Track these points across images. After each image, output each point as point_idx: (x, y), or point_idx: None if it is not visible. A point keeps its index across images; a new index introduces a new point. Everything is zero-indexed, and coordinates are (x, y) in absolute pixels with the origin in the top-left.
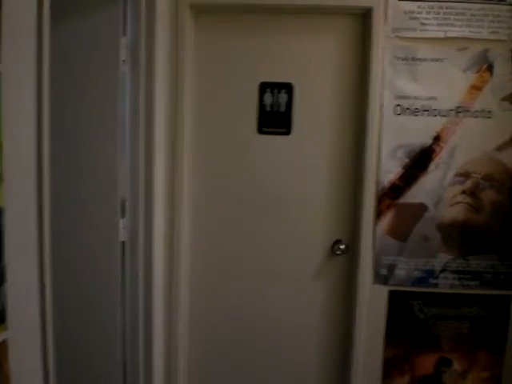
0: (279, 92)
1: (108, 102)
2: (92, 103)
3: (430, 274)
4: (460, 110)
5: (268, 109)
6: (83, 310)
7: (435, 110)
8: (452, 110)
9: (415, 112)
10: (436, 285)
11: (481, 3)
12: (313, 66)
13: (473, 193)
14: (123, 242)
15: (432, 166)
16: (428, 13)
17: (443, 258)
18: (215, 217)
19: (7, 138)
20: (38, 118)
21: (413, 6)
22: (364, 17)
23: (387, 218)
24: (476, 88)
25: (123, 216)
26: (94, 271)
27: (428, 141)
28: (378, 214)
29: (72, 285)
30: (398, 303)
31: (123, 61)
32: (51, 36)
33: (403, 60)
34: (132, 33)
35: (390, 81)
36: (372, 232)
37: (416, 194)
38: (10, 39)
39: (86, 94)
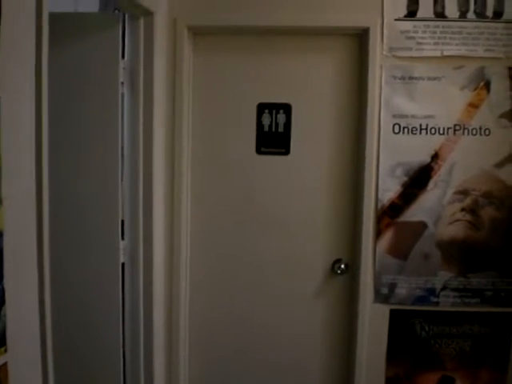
0: (277, 112)
1: (107, 123)
2: (91, 125)
3: (431, 292)
4: (458, 128)
5: (266, 129)
6: (84, 332)
7: (433, 128)
8: (450, 128)
9: (413, 131)
10: (437, 303)
11: (476, 21)
12: (311, 86)
13: (472, 210)
14: (123, 264)
15: (431, 184)
16: (424, 32)
17: (444, 276)
18: (215, 237)
19: (6, 161)
20: (36, 140)
21: (409, 25)
22: (361, 37)
23: (387, 237)
24: (473, 106)
25: (123, 238)
26: (95, 293)
27: (426, 159)
28: (378, 232)
29: (72, 307)
30: (399, 322)
31: (122, 83)
32: (50, 59)
33: (400, 79)
34: (130, 55)
35: (388, 100)
36: (372, 251)
37: (415, 213)
38: (9, 63)
39: (85, 116)
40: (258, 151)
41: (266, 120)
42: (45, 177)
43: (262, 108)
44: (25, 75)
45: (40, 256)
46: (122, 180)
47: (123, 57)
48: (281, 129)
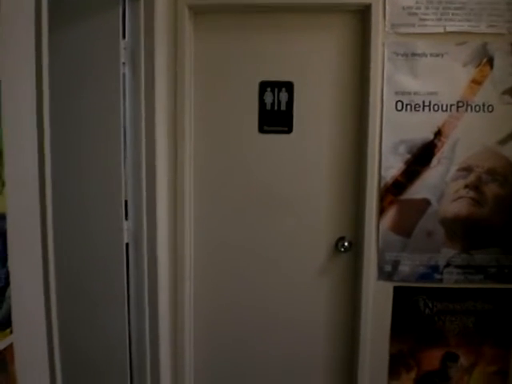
0: (280, 91)
1: (109, 104)
2: (93, 106)
3: (435, 269)
4: (461, 105)
5: (269, 108)
6: (89, 313)
7: (436, 105)
8: (453, 104)
9: (416, 108)
10: (440, 280)
11: None
12: (313, 64)
13: (476, 187)
14: (127, 244)
15: (434, 161)
16: (426, 8)
17: (447, 253)
18: (218, 216)
19: (8, 144)
20: (38, 122)
21: (411, 1)
22: (363, 14)
23: (390, 215)
24: (476, 82)
25: (126, 218)
26: (99, 274)
27: (430, 136)
28: (381, 210)
29: (77, 288)
30: (403, 299)
31: (123, 63)
32: (50, 40)
33: (403, 56)
34: (131, 35)
35: (390, 77)
36: (375, 228)
37: (419, 190)
38: (8, 44)
39: (87, 97)
40: (261, 130)
41: (268, 98)
42: (47, 158)
43: (264, 86)
44: (25, 57)
45: (44, 238)
46: (124, 160)
47: (124, 37)
48: (283, 107)
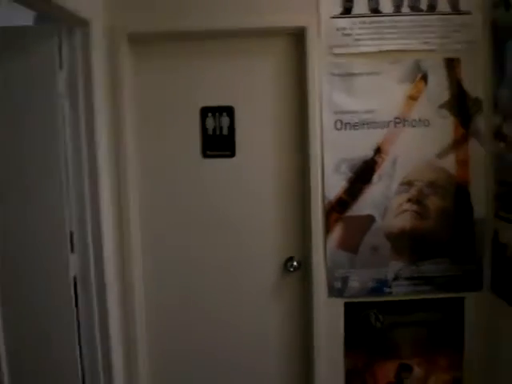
0: (221, 115)
1: (48, 135)
2: (32, 138)
3: (384, 282)
4: (398, 121)
5: (211, 132)
6: (38, 348)
7: (374, 122)
8: (391, 121)
9: (355, 126)
10: (390, 293)
11: (410, 15)
12: (252, 87)
13: (418, 200)
14: (74, 277)
15: (376, 177)
16: (360, 28)
17: (395, 266)
18: (166, 242)
19: None
20: None
21: (345, 22)
22: (299, 36)
23: (336, 232)
24: (412, 98)
25: (72, 250)
26: (47, 307)
27: (370, 153)
28: (327, 228)
29: (25, 323)
30: (354, 314)
31: (61, 94)
32: None
33: (339, 76)
34: (69, 66)
35: (328, 97)
36: (323, 247)
37: (363, 207)
38: None
39: (26, 129)
40: (204, 155)
41: (209, 123)
42: None
43: (205, 112)
44: None
45: None
46: (68, 193)
47: (61, 68)
48: (225, 131)
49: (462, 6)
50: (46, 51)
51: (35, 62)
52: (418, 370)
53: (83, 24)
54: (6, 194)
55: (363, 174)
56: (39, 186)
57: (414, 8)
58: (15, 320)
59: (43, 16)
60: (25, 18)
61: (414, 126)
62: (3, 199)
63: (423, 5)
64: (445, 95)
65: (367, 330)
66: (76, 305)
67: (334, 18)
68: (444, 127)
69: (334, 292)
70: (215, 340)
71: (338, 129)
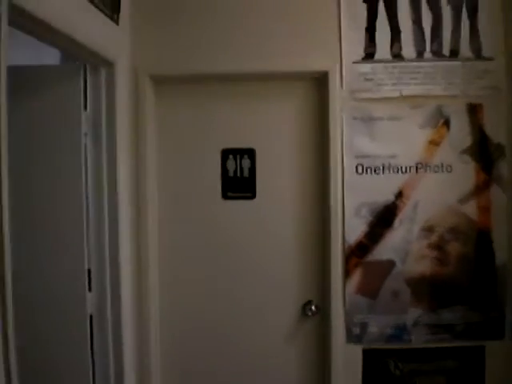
0: (242, 157)
1: (70, 173)
2: (55, 177)
3: (403, 329)
4: (420, 166)
5: (231, 174)
6: None
7: (396, 167)
8: (412, 166)
9: (376, 170)
10: (409, 340)
11: (433, 61)
12: (274, 130)
13: (439, 246)
14: (91, 316)
15: (397, 222)
16: (382, 73)
17: (414, 313)
18: (183, 281)
19: None
20: None
21: (367, 67)
22: (321, 81)
23: (356, 277)
24: (434, 143)
25: (90, 289)
26: (63, 346)
27: (391, 198)
28: (347, 273)
29: (40, 362)
30: (372, 362)
31: (85, 134)
32: (12, 111)
33: (361, 120)
34: (93, 106)
35: (350, 141)
36: (342, 291)
37: (383, 251)
38: None
39: (49, 168)
40: (224, 196)
41: (230, 165)
42: (6, 230)
43: (226, 153)
44: None
45: (3, 312)
46: (87, 230)
47: (86, 108)
48: (246, 173)
49: (485, 52)
50: (71, 90)
51: (60, 100)
52: None
53: (108, 64)
54: (28, 231)
55: (384, 219)
56: (60, 223)
57: (437, 53)
58: (29, 356)
59: (69, 55)
60: (51, 57)
61: (435, 172)
62: (26, 235)
63: (446, 50)
64: (467, 141)
65: (386, 377)
66: (91, 343)
67: (356, 62)
68: (466, 173)
69: (352, 338)
70: (230, 382)
71: (359, 173)
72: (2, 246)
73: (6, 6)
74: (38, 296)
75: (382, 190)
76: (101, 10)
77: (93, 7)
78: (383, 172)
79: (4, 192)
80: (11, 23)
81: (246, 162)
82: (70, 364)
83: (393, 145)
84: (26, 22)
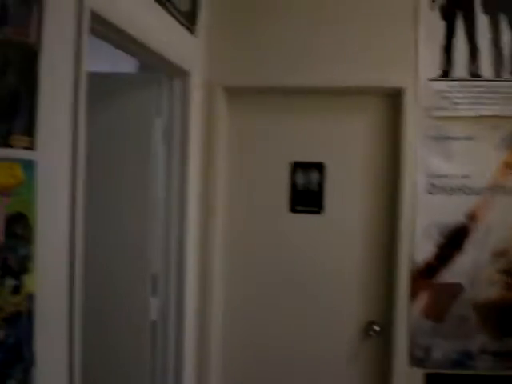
0: (311, 171)
1: (143, 179)
2: (126, 181)
3: (468, 355)
4: (494, 188)
5: (300, 188)
6: None
7: (468, 188)
8: (486, 188)
9: (448, 190)
10: (474, 367)
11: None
12: (344, 145)
13: (510, 272)
14: (154, 322)
15: (467, 244)
16: (459, 92)
17: (480, 340)
18: (246, 292)
19: (41, 224)
20: (71, 204)
21: (444, 85)
22: (395, 97)
23: (422, 299)
24: (510, 165)
25: (154, 294)
26: (125, 350)
27: (462, 219)
28: (413, 294)
29: (102, 366)
30: None
31: (158, 142)
32: (87, 117)
33: (435, 139)
34: (167, 114)
35: (423, 160)
36: (407, 313)
37: (452, 274)
38: (47, 123)
39: (120, 172)
40: (292, 210)
41: (299, 179)
42: (78, 240)
43: (295, 167)
44: (63, 135)
45: (71, 318)
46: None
47: (159, 116)
48: (314, 187)
49: None
50: (145, 98)
51: (135, 108)
52: None
53: (183, 75)
54: (94, 233)
55: (454, 241)
56: (129, 228)
57: None
58: (92, 361)
59: (145, 65)
60: (128, 64)
61: (509, 195)
62: (91, 237)
63: None
64: None
65: None
66: (152, 349)
67: (432, 80)
68: None
69: (415, 361)
70: None
71: (430, 192)
72: (73, 256)
73: (88, 14)
74: (103, 299)
75: (453, 211)
76: (179, 21)
77: (171, 18)
78: (456, 193)
79: (79, 198)
80: (91, 31)
81: (315, 176)
82: (130, 369)
83: (466, 165)
84: (105, 31)
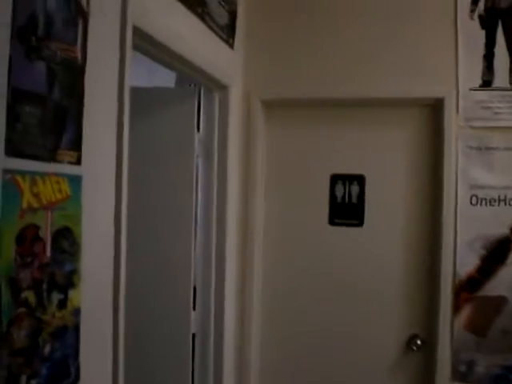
0: (351, 183)
1: (182, 194)
2: (167, 195)
3: (511, 371)
4: None
5: (339, 200)
6: None
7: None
8: None
9: (491, 202)
10: None
11: None
12: (384, 157)
13: None
14: (194, 334)
15: (511, 257)
16: (500, 102)
17: None
18: (285, 305)
19: (86, 239)
20: (116, 221)
21: (484, 95)
22: (435, 108)
23: (465, 313)
24: None
25: (194, 308)
26: (165, 363)
27: (505, 232)
28: (456, 308)
29: (143, 379)
30: None
31: (197, 156)
32: (130, 130)
33: (476, 149)
34: (206, 128)
35: (464, 171)
36: (450, 327)
37: (495, 287)
38: (91, 139)
39: (161, 187)
40: (331, 222)
41: (339, 191)
42: (123, 255)
43: (335, 179)
44: (107, 150)
45: (115, 332)
46: (194, 249)
47: (198, 130)
48: (354, 200)
49: None
50: (185, 112)
51: (175, 121)
52: None
53: (222, 88)
54: (136, 246)
55: (497, 253)
56: (169, 241)
57: None
58: (134, 375)
59: (185, 78)
60: (166, 78)
61: None
62: (134, 250)
63: None
64: None
65: None
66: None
67: (473, 90)
68: None
69: (457, 376)
70: None
71: (473, 204)
72: (118, 271)
73: (131, 30)
74: (145, 312)
75: (496, 223)
76: (217, 35)
77: (210, 31)
78: (498, 204)
79: (123, 212)
80: (134, 46)
81: (355, 189)
82: (170, 381)
83: (509, 176)
84: (147, 46)
